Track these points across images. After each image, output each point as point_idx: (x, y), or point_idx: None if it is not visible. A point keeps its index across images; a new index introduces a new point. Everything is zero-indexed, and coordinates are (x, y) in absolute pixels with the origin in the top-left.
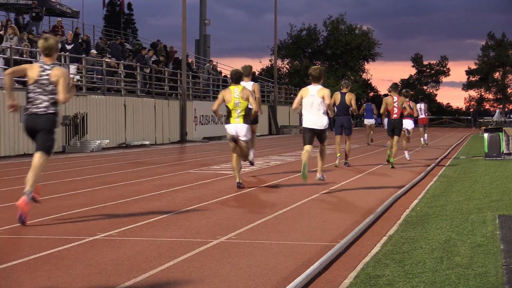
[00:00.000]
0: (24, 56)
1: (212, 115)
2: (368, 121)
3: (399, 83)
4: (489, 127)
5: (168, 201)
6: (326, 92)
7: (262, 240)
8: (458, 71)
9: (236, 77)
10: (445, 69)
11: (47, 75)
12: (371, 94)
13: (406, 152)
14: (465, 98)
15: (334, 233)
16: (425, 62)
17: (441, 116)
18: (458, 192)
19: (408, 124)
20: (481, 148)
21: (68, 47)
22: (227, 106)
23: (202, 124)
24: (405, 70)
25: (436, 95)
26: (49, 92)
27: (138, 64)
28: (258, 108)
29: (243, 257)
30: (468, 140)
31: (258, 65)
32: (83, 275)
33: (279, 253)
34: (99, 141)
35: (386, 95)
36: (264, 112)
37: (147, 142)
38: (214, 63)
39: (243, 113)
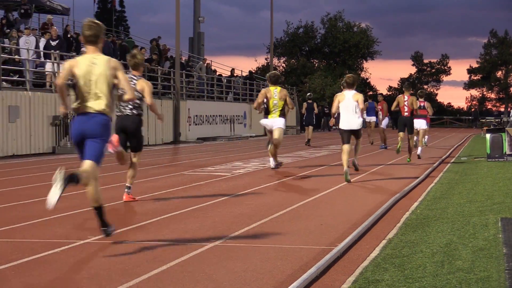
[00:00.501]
0: (13, 54)
1: (206, 115)
2: (369, 118)
3: (406, 82)
4: (491, 127)
5: (162, 203)
6: (360, 96)
7: (258, 244)
8: (459, 70)
9: (275, 79)
10: (446, 67)
11: (134, 84)
12: (370, 93)
13: (419, 149)
14: (466, 98)
15: (332, 237)
16: (426, 61)
17: (442, 116)
18: (460, 195)
19: (421, 124)
20: (483, 149)
21: (53, 43)
22: (266, 104)
23: (196, 124)
24: (405, 69)
25: (436, 94)
26: (137, 98)
27: None
28: (292, 106)
29: (239, 261)
30: (469, 140)
31: (253, 64)
32: (74, 280)
33: (276, 257)
34: None
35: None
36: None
37: None
38: (208, 61)
39: (279, 110)
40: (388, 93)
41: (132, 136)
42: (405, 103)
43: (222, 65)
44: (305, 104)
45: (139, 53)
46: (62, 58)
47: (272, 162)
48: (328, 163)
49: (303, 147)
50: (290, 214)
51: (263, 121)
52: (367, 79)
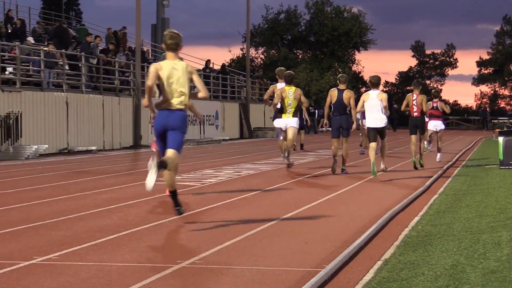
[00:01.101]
0: None
1: None
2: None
3: (419, 80)
4: (505, 129)
5: (119, 218)
6: (384, 96)
7: (231, 265)
8: (467, 62)
9: (290, 79)
10: (451, 59)
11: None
12: (363, 89)
13: (438, 155)
14: (475, 95)
15: (319, 257)
16: (428, 52)
17: (447, 116)
18: (468, 208)
19: (438, 124)
20: (495, 155)
21: None
22: (281, 103)
23: None
24: (403, 61)
25: (441, 90)
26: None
27: (83, 53)
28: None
29: (209, 285)
30: (479, 145)
31: (227, 55)
32: None
33: (252, 280)
34: (36, 146)
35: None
36: (234, 112)
37: (93, 148)
38: None
39: (293, 110)
40: (385, 89)
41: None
42: (414, 102)
43: (191, 56)
44: None
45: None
46: (3, 50)
47: (285, 159)
48: (314, 170)
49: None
50: (270, 231)
51: (277, 123)
52: (359, 72)
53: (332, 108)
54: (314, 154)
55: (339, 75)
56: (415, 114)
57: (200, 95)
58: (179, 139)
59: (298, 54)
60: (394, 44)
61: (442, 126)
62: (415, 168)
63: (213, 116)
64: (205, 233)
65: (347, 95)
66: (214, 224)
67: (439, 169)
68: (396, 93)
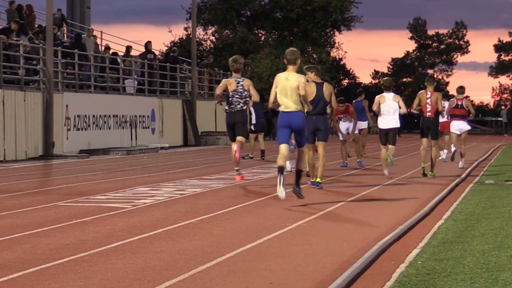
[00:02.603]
0: None
1: (94, 115)
2: (360, 124)
3: (432, 76)
4: None
5: (25, 250)
6: (400, 98)
7: None
8: (482, 46)
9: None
10: (461, 42)
11: (242, 85)
12: (346, 81)
13: (462, 160)
14: (493, 89)
15: None
16: (431, 32)
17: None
18: (483, 237)
19: (462, 125)
20: None
21: None
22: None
23: (78, 129)
24: (398, 45)
25: (447, 83)
26: (245, 97)
27: None
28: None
29: None
30: (498, 154)
31: (167, 37)
32: None
33: None
34: None
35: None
36: (176, 111)
37: None
38: (97, 33)
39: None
40: (373, 81)
41: (240, 126)
42: (428, 100)
43: (119, 38)
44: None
45: (240, 58)
46: None
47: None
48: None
49: (252, 162)
50: (222, 268)
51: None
52: (340, 59)
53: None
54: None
55: (306, 66)
56: (428, 114)
57: (302, 93)
58: (305, 134)
59: (260, 35)
60: (386, 23)
61: (468, 127)
62: (424, 174)
63: (148, 116)
64: (136, 271)
65: (328, 89)
66: (149, 260)
67: (448, 184)
68: None
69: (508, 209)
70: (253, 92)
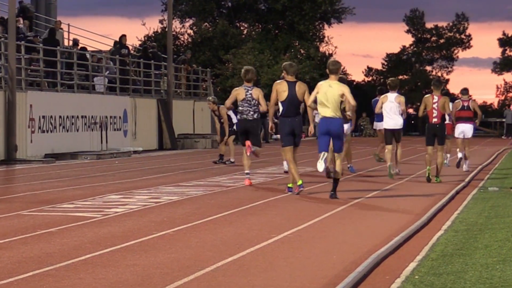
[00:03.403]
0: None
1: (61, 116)
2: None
3: (441, 79)
4: None
5: None
6: (402, 98)
7: None
8: (485, 40)
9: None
10: (463, 36)
11: (250, 94)
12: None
13: (466, 162)
14: (497, 87)
15: None
16: (429, 25)
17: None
18: (486, 250)
19: (467, 129)
20: None
21: None
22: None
23: (43, 131)
24: (394, 39)
25: (447, 81)
26: (254, 105)
27: None
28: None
29: None
30: (503, 158)
31: (141, 30)
32: None
33: None
34: None
35: (377, 86)
36: (150, 112)
37: None
38: (64, 26)
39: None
40: (367, 78)
41: (253, 135)
42: (435, 105)
43: (88, 32)
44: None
45: (252, 70)
46: None
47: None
48: (265, 196)
49: (233, 168)
50: (201, 283)
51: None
52: (330, 55)
53: (282, 107)
54: (264, 173)
55: (285, 63)
56: (434, 120)
57: (348, 104)
58: (342, 139)
59: (242, 28)
60: (380, 15)
61: (471, 132)
62: (428, 180)
63: (119, 117)
64: (108, 286)
65: (301, 89)
66: (121, 274)
67: (449, 191)
68: (382, 84)
69: None
70: (262, 101)
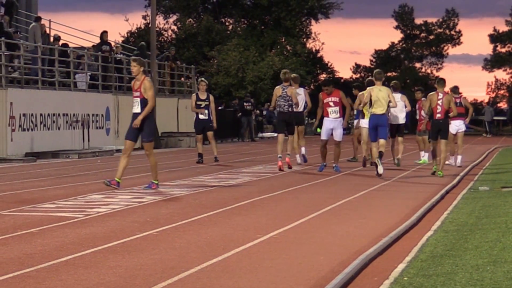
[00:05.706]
0: None
1: (42, 114)
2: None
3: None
4: None
5: None
6: (405, 97)
7: None
8: (475, 37)
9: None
10: (453, 32)
11: (285, 92)
12: (323, 76)
13: (459, 158)
14: (488, 84)
15: None
16: (418, 21)
17: (448, 115)
18: (476, 250)
19: (459, 125)
20: None
21: None
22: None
23: (24, 129)
24: (382, 35)
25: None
26: (289, 100)
27: None
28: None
29: None
30: (494, 157)
31: (123, 26)
32: None
33: None
34: None
35: (365, 83)
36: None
37: None
38: (45, 21)
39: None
40: (355, 75)
41: (290, 125)
42: (439, 102)
43: (70, 28)
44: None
45: (288, 72)
46: None
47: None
48: (252, 194)
49: (206, 169)
50: (185, 284)
51: (364, 123)
52: (317, 51)
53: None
54: (251, 172)
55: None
56: (438, 116)
57: (392, 105)
58: (385, 131)
59: (227, 24)
60: (369, 10)
61: (463, 128)
62: (433, 173)
63: (102, 115)
64: None
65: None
66: (104, 276)
67: (438, 191)
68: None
69: (504, 219)
70: (294, 99)
